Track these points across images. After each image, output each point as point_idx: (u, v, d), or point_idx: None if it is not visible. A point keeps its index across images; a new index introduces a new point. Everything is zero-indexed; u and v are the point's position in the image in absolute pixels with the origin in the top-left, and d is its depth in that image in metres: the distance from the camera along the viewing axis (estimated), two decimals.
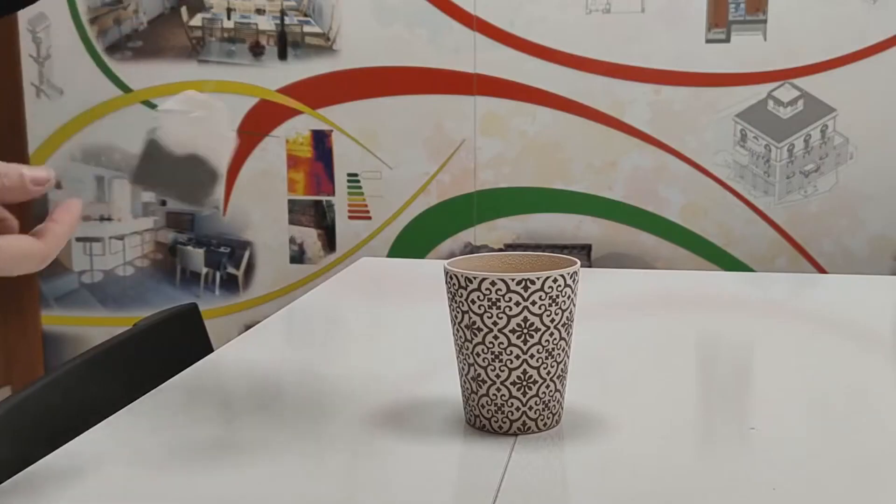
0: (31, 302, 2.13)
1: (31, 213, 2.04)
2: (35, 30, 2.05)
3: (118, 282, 2.10)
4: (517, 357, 0.65)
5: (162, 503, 0.59)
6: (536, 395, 0.67)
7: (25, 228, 0.59)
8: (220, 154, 0.70)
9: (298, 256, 2.04)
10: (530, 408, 0.67)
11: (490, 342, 0.65)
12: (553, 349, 0.66)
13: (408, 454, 0.65)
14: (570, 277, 0.66)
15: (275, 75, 1.99)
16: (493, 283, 0.64)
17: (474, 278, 0.65)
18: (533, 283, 0.64)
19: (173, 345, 0.99)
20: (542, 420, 0.68)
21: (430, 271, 1.31)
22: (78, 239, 2.08)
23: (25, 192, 0.60)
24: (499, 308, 0.64)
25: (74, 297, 2.11)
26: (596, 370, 0.83)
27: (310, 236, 2.03)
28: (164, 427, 0.71)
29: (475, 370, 0.67)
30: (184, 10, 2.01)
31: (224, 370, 0.86)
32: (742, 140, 1.86)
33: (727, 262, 1.90)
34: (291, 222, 2.03)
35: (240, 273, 2.06)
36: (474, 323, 0.65)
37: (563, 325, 0.66)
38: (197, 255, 2.08)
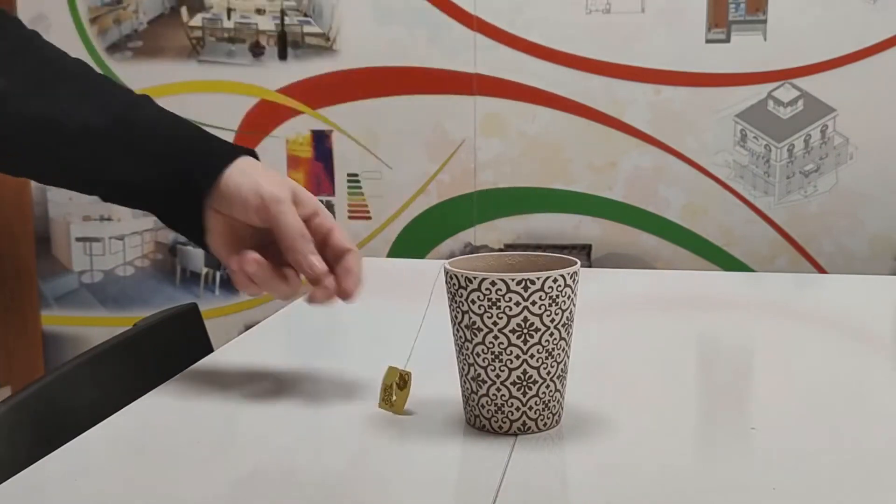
0: (31, 302, 2.13)
1: (31, 213, 2.03)
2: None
3: (118, 282, 2.10)
4: (517, 357, 0.65)
5: (162, 503, 0.59)
6: (536, 395, 0.67)
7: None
8: None
9: None
10: (530, 408, 0.67)
11: (490, 342, 0.65)
12: (553, 349, 0.66)
13: (408, 454, 0.65)
14: (570, 277, 0.66)
15: (275, 75, 1.99)
16: (493, 283, 0.64)
17: (474, 278, 0.65)
18: (533, 283, 0.64)
19: (173, 345, 0.99)
20: (542, 420, 0.68)
21: (430, 271, 1.31)
22: (78, 239, 2.08)
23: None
24: (499, 308, 0.64)
25: (74, 297, 2.11)
26: (596, 370, 0.83)
27: None
28: (163, 427, 0.71)
29: (475, 370, 0.67)
30: (184, 10, 2.01)
31: (224, 370, 0.86)
32: (742, 140, 1.86)
33: (727, 262, 1.90)
34: None
35: None
36: (474, 323, 0.65)
37: (563, 325, 0.66)
38: (197, 255, 2.08)
